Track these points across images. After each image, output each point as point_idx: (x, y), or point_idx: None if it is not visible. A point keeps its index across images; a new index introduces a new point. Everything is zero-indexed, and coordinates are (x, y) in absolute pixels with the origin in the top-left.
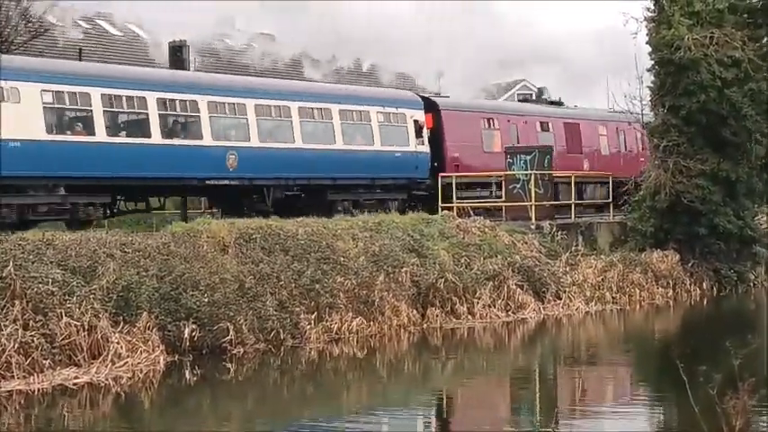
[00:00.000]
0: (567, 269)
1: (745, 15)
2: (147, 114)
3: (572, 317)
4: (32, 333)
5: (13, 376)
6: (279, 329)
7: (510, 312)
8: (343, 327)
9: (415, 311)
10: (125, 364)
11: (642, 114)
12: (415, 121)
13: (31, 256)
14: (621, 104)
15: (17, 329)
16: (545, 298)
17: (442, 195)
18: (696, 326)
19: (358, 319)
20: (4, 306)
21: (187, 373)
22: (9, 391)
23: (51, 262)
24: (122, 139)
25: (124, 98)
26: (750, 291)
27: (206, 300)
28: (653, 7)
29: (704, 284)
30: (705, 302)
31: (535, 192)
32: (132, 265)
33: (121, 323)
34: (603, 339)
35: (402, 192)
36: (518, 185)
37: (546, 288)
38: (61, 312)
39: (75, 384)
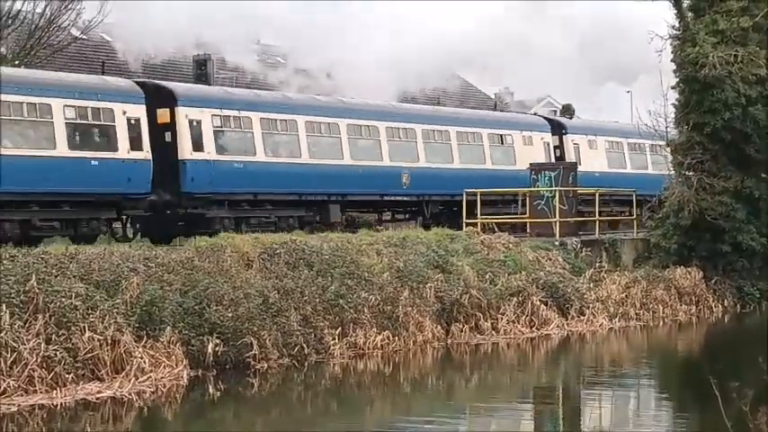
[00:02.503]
0: (591, 285)
1: None
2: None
3: (596, 333)
4: (55, 347)
5: (35, 390)
6: (303, 344)
7: (534, 328)
8: (367, 342)
9: (439, 327)
10: (148, 378)
11: (667, 132)
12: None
13: (54, 270)
14: (646, 121)
15: (40, 343)
16: (569, 314)
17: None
18: (720, 342)
19: (382, 335)
20: (27, 320)
21: (210, 387)
22: (32, 405)
23: (74, 276)
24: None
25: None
26: None
27: (230, 314)
28: (678, 25)
29: (727, 301)
30: (728, 319)
31: (559, 208)
32: (156, 280)
33: (145, 337)
34: (628, 356)
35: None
36: (542, 202)
37: (570, 304)
38: (84, 326)
39: (98, 399)
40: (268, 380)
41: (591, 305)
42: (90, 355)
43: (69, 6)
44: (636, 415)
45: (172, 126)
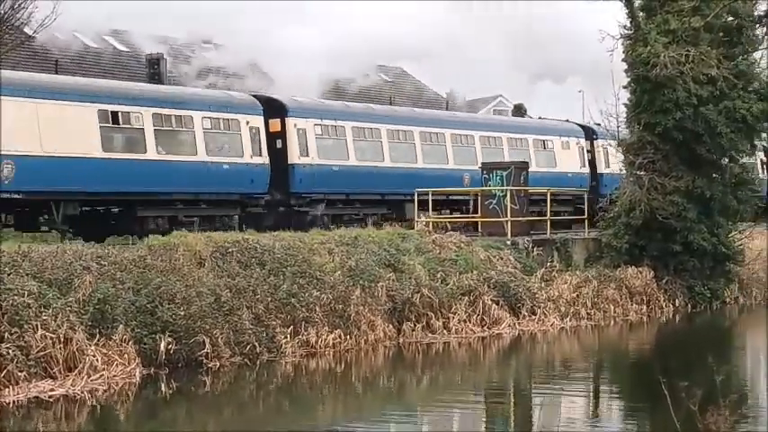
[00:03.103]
0: (543, 285)
1: (721, 34)
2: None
3: (547, 332)
4: (8, 345)
5: None
6: (255, 343)
7: (485, 327)
8: (319, 341)
9: (390, 326)
10: (101, 376)
11: (618, 131)
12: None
13: (6, 268)
14: (598, 120)
15: None
16: (520, 313)
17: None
18: (671, 342)
19: (334, 333)
20: None
21: (163, 386)
22: None
23: (27, 274)
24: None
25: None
26: (724, 308)
27: (182, 313)
28: (629, 25)
29: (678, 301)
30: (678, 319)
31: (511, 207)
32: (108, 278)
33: (97, 336)
34: (579, 355)
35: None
36: (494, 201)
37: (521, 303)
38: (37, 324)
39: (50, 397)
40: (220, 378)
41: (542, 305)
42: (42, 353)
43: (23, 6)
44: (587, 415)
45: (282, 134)
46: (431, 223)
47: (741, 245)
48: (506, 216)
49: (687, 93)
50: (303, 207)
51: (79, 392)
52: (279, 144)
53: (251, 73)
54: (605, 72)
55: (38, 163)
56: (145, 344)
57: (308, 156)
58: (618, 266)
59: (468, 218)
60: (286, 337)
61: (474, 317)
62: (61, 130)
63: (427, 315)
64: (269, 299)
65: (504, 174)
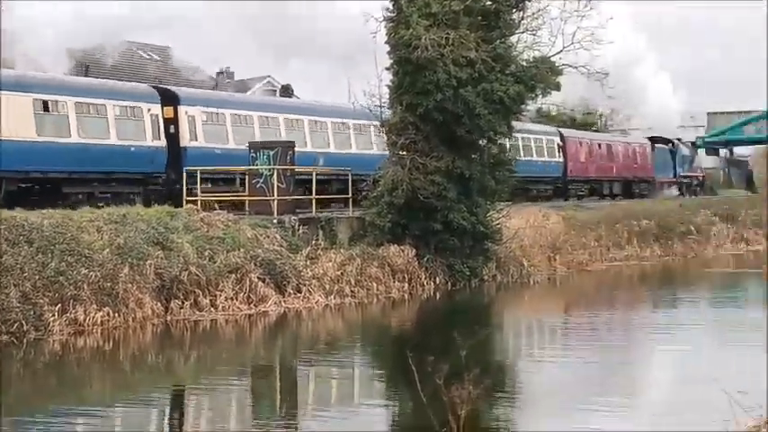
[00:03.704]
0: (308, 263)
1: (479, 18)
2: None
3: (312, 310)
4: None
5: None
6: (22, 321)
7: (252, 305)
8: (87, 319)
9: (158, 304)
10: None
11: (381, 112)
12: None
13: None
14: (362, 102)
15: None
16: (286, 291)
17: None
18: (429, 319)
19: (102, 311)
20: None
21: None
22: None
23: None
24: None
25: None
26: (482, 285)
27: None
28: (392, 7)
29: (439, 279)
30: (439, 296)
31: (277, 186)
32: None
33: None
34: (342, 332)
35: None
36: (261, 180)
37: (287, 281)
38: None
39: None
40: None
41: (307, 282)
42: None
43: None
44: (351, 390)
45: (175, 120)
46: (199, 201)
47: (499, 224)
48: (273, 195)
49: (447, 75)
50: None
51: None
52: (172, 129)
53: None
54: (369, 54)
55: None
56: None
57: (196, 140)
58: (381, 245)
59: (235, 196)
60: (54, 315)
61: (241, 294)
62: (6, 118)
63: (195, 293)
64: (36, 277)
65: (272, 153)
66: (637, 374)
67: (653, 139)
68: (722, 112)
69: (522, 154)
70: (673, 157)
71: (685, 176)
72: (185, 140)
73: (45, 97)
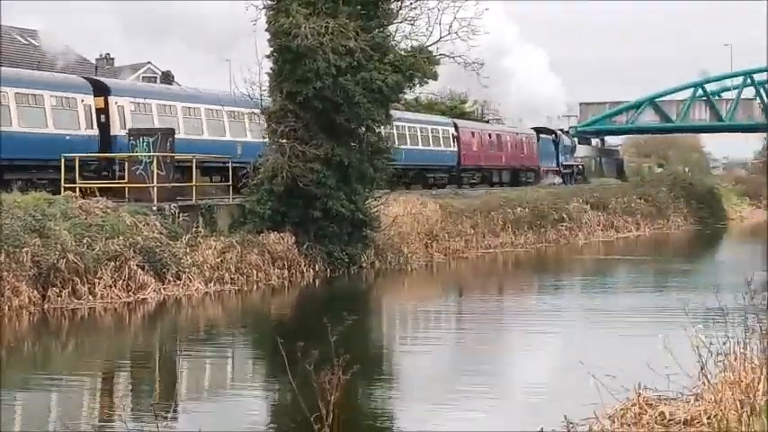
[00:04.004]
0: (188, 250)
1: (359, 7)
2: None
3: (191, 297)
4: None
5: None
6: None
7: (131, 293)
8: None
9: (36, 292)
10: None
11: (261, 99)
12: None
13: None
14: (242, 89)
15: None
16: (166, 279)
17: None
18: (308, 306)
19: None
20: None
21: None
22: None
23: None
24: None
25: None
26: (361, 272)
27: None
28: None
29: (318, 266)
30: (318, 283)
31: (157, 173)
32: None
33: None
34: (221, 320)
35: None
36: (141, 167)
37: (167, 269)
38: None
39: None
40: None
41: (187, 270)
42: None
43: None
44: (228, 377)
45: (106, 110)
46: (78, 189)
47: (377, 211)
48: (153, 182)
49: (327, 63)
50: (122, 171)
51: None
52: (103, 119)
53: None
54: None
55: None
56: None
57: (125, 128)
58: (261, 232)
59: (114, 183)
60: None
61: (120, 282)
62: None
63: (73, 281)
64: None
65: (151, 140)
66: (509, 359)
67: (538, 130)
68: (594, 103)
69: (420, 143)
70: (556, 146)
71: (567, 165)
72: (116, 129)
73: None
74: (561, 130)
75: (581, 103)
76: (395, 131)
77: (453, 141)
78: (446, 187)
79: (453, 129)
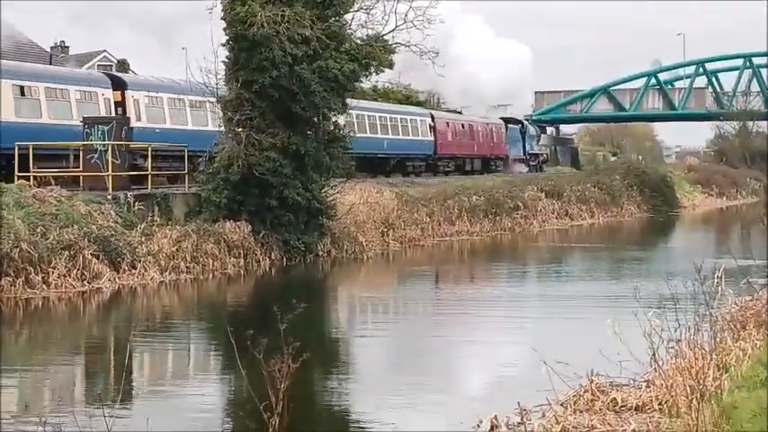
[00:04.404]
0: (143, 239)
1: None
2: None
3: (147, 286)
4: None
5: None
6: None
7: (85, 282)
8: None
9: None
10: None
11: (217, 88)
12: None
13: None
14: (198, 78)
15: None
16: (120, 268)
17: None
18: (262, 294)
19: None
20: None
21: None
22: None
23: None
24: None
25: None
26: (317, 261)
27: None
28: None
29: (274, 254)
30: (274, 272)
31: (112, 162)
32: None
33: None
34: (177, 309)
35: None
36: (96, 155)
37: (122, 258)
38: None
39: None
40: None
41: (143, 259)
42: None
43: None
44: (182, 367)
45: (123, 104)
46: (32, 177)
47: (333, 200)
48: (108, 170)
49: (283, 52)
50: (139, 160)
51: None
52: (120, 111)
53: None
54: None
55: None
56: None
57: (141, 120)
58: (217, 221)
59: (68, 172)
60: None
61: (74, 271)
62: None
63: (26, 270)
64: None
65: (106, 128)
66: (463, 347)
67: (506, 120)
68: (549, 91)
69: (400, 134)
70: (522, 136)
71: (532, 154)
72: (132, 121)
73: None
74: (527, 118)
75: (536, 92)
76: (378, 122)
77: (430, 131)
78: (421, 175)
79: (430, 119)
